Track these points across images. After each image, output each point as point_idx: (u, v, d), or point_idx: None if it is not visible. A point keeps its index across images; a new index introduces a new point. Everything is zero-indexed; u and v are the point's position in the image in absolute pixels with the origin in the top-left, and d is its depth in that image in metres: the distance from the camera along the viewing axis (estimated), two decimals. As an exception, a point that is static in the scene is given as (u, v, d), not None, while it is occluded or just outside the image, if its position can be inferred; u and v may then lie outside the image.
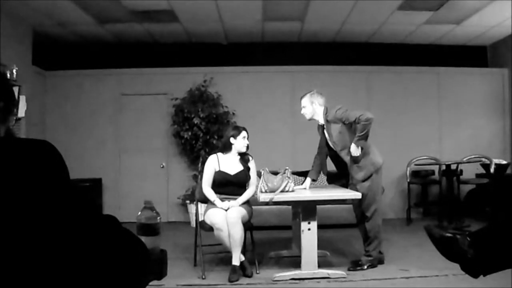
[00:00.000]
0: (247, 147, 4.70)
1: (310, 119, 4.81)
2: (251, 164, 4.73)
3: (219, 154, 4.74)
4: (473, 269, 2.08)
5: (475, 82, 8.37)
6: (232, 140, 4.67)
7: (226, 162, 4.67)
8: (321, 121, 4.76)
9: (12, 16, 6.33)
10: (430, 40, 8.22)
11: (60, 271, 1.05)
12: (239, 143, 4.65)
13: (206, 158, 4.81)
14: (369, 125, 4.41)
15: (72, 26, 7.26)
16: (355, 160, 4.58)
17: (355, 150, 4.48)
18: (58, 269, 1.04)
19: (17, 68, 5.96)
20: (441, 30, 7.67)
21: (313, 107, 4.73)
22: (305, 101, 4.76)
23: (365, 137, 4.46)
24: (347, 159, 4.66)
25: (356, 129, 4.47)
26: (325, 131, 4.78)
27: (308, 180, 4.99)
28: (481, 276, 2.09)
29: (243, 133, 4.67)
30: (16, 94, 5.77)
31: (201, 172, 4.78)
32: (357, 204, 4.69)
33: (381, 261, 4.69)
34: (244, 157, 4.72)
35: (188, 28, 7.53)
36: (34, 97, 7.13)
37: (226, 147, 4.71)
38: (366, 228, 4.63)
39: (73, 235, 1.08)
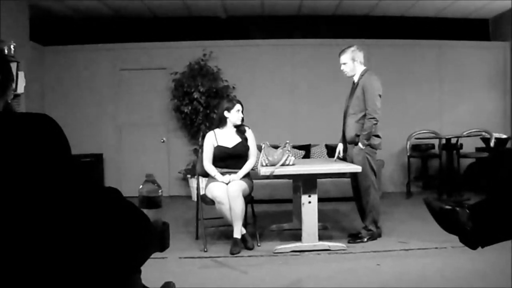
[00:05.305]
0: (242, 120, 4.70)
1: (350, 76, 4.71)
2: (249, 134, 4.71)
3: (216, 130, 4.73)
4: (472, 241, 2.10)
5: (476, 55, 8.30)
6: (226, 113, 4.65)
7: (223, 136, 4.67)
8: (357, 79, 4.67)
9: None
10: (431, 13, 8.12)
11: (64, 244, 1.06)
12: (234, 116, 4.64)
13: (206, 133, 4.81)
14: (374, 125, 4.46)
15: (69, 0, 7.17)
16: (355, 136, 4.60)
17: (361, 147, 4.51)
18: (61, 242, 1.05)
19: (14, 44, 5.88)
20: (443, 3, 7.57)
21: (354, 65, 4.62)
22: (346, 57, 4.63)
23: (368, 136, 4.49)
24: (349, 127, 4.65)
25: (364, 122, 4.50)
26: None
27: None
28: (480, 248, 2.12)
29: (237, 106, 4.65)
30: (14, 70, 5.73)
31: (202, 146, 4.78)
32: (353, 178, 4.73)
33: (379, 235, 4.71)
34: (240, 129, 4.71)
35: (187, 2, 7.43)
36: (33, 73, 7.08)
37: (222, 121, 4.70)
38: (362, 202, 4.66)
39: (76, 207, 1.08)
